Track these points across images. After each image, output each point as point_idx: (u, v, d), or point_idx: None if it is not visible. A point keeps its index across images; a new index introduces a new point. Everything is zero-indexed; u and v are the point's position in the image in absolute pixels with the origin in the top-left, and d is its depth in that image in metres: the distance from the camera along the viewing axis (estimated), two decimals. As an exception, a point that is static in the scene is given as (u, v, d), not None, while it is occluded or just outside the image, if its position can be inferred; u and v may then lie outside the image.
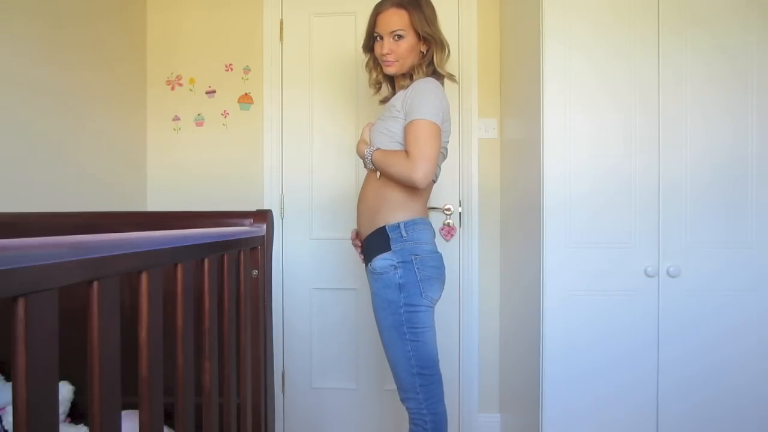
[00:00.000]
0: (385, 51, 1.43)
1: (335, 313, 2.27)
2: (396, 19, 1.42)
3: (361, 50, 1.56)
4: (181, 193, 2.31)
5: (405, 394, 1.46)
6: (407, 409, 1.47)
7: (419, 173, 1.32)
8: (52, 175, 1.73)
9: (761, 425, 1.59)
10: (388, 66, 1.46)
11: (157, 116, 2.32)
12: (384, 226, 1.41)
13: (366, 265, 1.48)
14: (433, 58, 1.47)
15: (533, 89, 1.69)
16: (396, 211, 1.43)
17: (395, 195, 1.43)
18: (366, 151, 1.45)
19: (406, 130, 1.37)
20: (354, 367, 2.27)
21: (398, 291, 1.39)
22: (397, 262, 1.39)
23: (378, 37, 1.45)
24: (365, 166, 1.50)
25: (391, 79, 1.56)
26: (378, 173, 1.44)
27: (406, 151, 1.36)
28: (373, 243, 1.43)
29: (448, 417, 2.30)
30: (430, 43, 1.47)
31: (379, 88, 1.58)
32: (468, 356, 2.23)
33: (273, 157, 2.28)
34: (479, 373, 2.23)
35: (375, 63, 1.53)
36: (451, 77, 1.49)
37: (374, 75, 1.55)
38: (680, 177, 1.59)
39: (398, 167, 1.36)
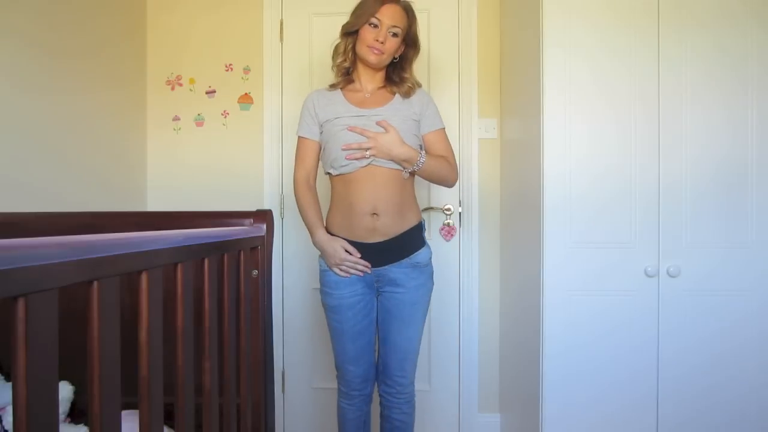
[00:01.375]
0: (381, 39, 1.46)
1: (335, 313, 2.27)
2: (399, 17, 1.49)
3: None
4: (181, 193, 2.31)
5: (408, 379, 1.57)
6: (403, 395, 1.58)
7: (457, 176, 1.60)
8: (52, 175, 1.73)
9: (761, 422, 1.59)
10: (375, 54, 1.48)
11: (157, 116, 2.32)
12: (420, 223, 1.57)
13: (374, 266, 1.51)
14: (404, 64, 1.57)
15: (533, 89, 1.69)
16: (418, 209, 1.59)
17: (413, 194, 1.58)
18: (420, 158, 1.47)
19: (439, 137, 1.57)
20: (354, 367, 2.27)
21: (433, 281, 1.60)
22: (431, 255, 1.59)
23: (373, 25, 1.47)
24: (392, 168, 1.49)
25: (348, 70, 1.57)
26: (406, 174, 1.50)
27: (442, 156, 1.55)
28: (413, 239, 1.53)
29: (448, 416, 2.31)
30: (410, 51, 1.57)
31: (343, 73, 1.57)
32: (468, 356, 2.23)
33: (273, 157, 2.28)
34: (479, 373, 2.24)
35: (347, 48, 1.54)
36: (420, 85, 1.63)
37: (341, 60, 1.56)
38: (680, 177, 1.59)
39: (448, 172, 1.55)
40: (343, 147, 1.46)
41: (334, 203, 1.55)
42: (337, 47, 1.57)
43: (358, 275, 1.50)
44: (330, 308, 1.55)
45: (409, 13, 1.52)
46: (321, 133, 1.54)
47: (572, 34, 1.61)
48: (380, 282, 1.53)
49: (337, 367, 1.60)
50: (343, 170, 1.48)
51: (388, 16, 1.46)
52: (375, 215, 1.47)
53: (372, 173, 1.47)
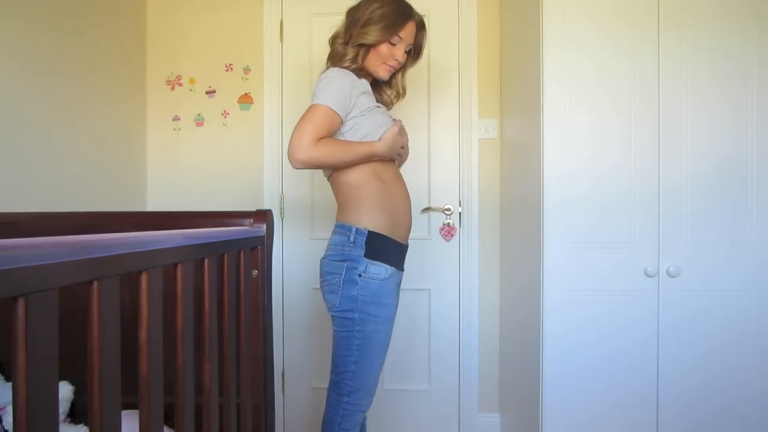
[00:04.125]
0: (400, 58, 1.43)
1: (335, 313, 2.27)
2: (414, 34, 1.46)
3: None
4: (181, 193, 2.31)
5: None
6: None
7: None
8: (52, 175, 1.73)
9: (762, 423, 1.59)
10: (389, 70, 1.44)
11: (157, 116, 2.32)
12: None
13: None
14: (401, 71, 1.53)
15: (533, 89, 1.69)
16: None
17: None
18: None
19: None
20: (354, 367, 2.27)
21: None
22: None
23: (395, 44, 1.40)
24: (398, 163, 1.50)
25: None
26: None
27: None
28: None
29: (448, 416, 2.31)
30: (410, 60, 1.52)
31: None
32: (468, 356, 2.23)
33: (273, 157, 2.28)
34: (479, 373, 2.23)
35: (357, 56, 1.40)
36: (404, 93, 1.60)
37: (347, 65, 1.41)
38: (680, 177, 1.59)
39: None
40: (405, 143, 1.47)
41: (372, 200, 1.37)
42: (344, 55, 1.41)
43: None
44: (385, 320, 1.36)
45: (422, 27, 1.49)
46: (349, 114, 1.36)
47: (572, 34, 1.61)
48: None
49: (361, 387, 1.37)
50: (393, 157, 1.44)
51: (410, 35, 1.42)
52: (411, 212, 1.46)
53: (398, 168, 1.48)
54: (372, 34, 1.37)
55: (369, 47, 1.40)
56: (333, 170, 1.41)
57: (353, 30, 1.41)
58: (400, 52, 1.41)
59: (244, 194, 2.29)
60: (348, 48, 1.41)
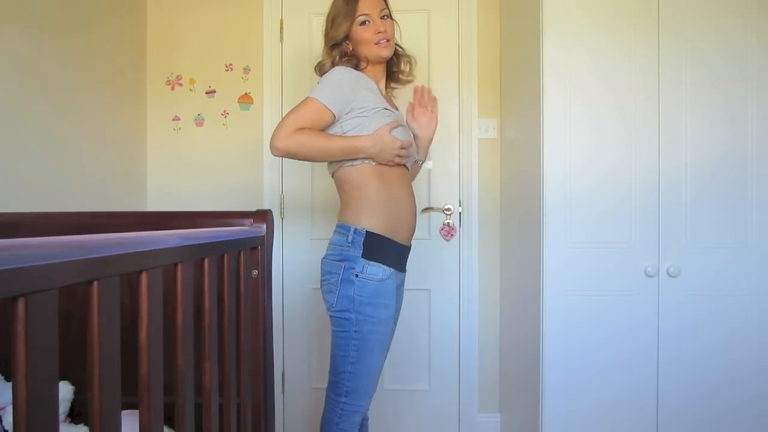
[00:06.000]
0: (383, 28, 1.39)
1: (335, 313, 2.27)
2: (375, 3, 1.41)
3: None
4: (181, 193, 2.31)
5: None
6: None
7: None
8: (52, 175, 1.73)
9: (760, 423, 1.59)
10: (385, 46, 1.40)
11: (157, 116, 2.32)
12: None
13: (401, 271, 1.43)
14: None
15: (533, 89, 1.69)
16: None
17: None
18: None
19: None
20: (354, 367, 2.26)
21: None
22: None
23: (365, 22, 1.38)
24: (415, 165, 1.50)
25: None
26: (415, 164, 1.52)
27: None
28: None
29: (448, 416, 2.31)
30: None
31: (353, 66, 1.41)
32: (468, 356, 2.23)
33: (273, 157, 2.28)
34: (479, 373, 2.23)
35: (345, 54, 1.42)
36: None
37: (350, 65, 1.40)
38: (680, 177, 1.59)
39: None
40: (406, 145, 1.36)
41: (372, 200, 1.35)
42: (329, 61, 1.42)
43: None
44: (382, 321, 1.34)
45: None
46: (351, 113, 1.34)
47: (572, 34, 1.60)
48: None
49: (359, 387, 1.36)
50: (399, 161, 1.39)
51: (372, 5, 1.39)
52: (414, 214, 1.44)
53: (406, 171, 1.46)
54: (340, 28, 1.39)
55: (346, 43, 1.41)
56: (336, 168, 1.40)
57: (327, 42, 1.44)
58: (380, 25, 1.39)
59: (244, 194, 2.29)
60: (330, 54, 1.43)
